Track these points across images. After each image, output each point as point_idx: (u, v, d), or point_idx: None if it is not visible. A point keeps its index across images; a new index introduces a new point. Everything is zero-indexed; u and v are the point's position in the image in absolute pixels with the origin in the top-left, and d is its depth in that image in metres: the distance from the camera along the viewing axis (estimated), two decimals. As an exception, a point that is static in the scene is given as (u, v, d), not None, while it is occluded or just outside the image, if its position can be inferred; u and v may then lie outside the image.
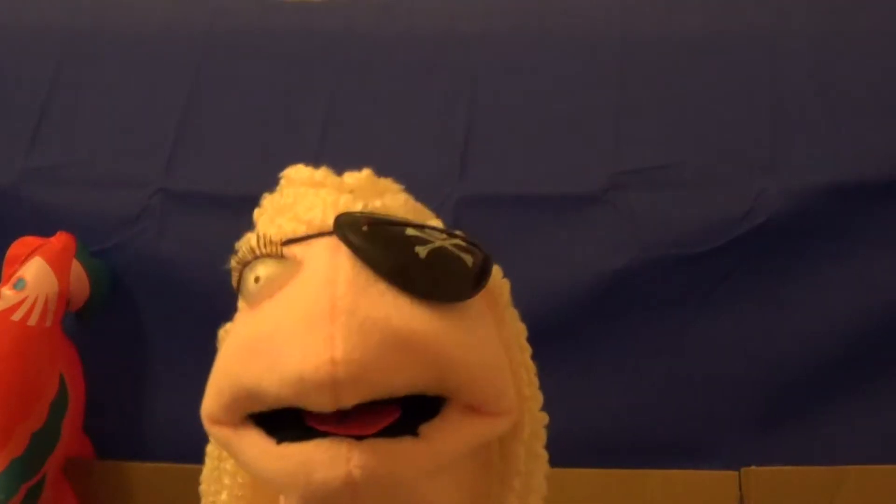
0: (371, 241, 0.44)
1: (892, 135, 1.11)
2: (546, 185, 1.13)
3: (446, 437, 0.43)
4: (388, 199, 0.51)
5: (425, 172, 1.12)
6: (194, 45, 1.26)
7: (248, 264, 0.46)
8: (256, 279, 0.45)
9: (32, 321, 1.06)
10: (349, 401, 0.41)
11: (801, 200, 1.08)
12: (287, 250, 0.46)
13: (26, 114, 1.24)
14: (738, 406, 1.08)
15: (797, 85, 1.15)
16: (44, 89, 1.25)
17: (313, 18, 1.27)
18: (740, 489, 1.05)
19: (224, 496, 0.56)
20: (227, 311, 0.54)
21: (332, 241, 0.45)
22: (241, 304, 0.51)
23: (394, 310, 0.42)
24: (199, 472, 0.61)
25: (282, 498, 0.49)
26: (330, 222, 0.46)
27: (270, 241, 0.46)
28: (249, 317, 0.45)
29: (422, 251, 0.44)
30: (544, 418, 0.55)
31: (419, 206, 0.54)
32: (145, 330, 1.18)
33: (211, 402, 0.46)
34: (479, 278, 0.46)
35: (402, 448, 0.42)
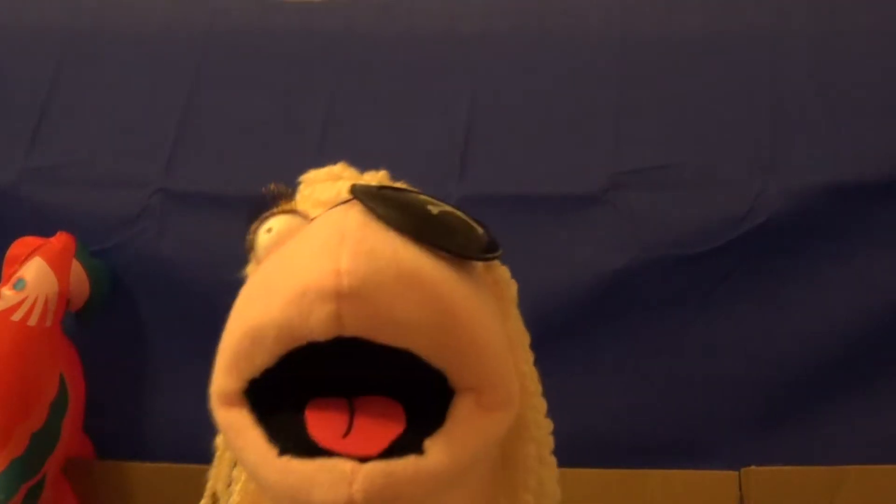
0: (384, 200, 0.44)
1: (892, 135, 1.11)
2: (546, 185, 1.13)
3: (453, 450, 0.42)
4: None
5: (425, 172, 1.12)
6: (194, 45, 1.26)
7: (262, 221, 0.47)
8: (269, 230, 0.46)
9: (32, 321, 1.06)
10: (351, 321, 0.40)
11: (801, 200, 1.08)
12: (301, 209, 0.47)
13: (26, 114, 1.24)
14: (738, 406, 1.08)
15: (797, 85, 1.15)
16: (44, 89, 1.25)
17: (313, 18, 1.27)
18: (740, 489, 1.05)
19: (235, 499, 0.56)
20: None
21: (346, 204, 0.45)
22: (250, 268, 0.51)
23: (401, 246, 0.42)
24: (200, 472, 0.61)
25: None
26: (345, 195, 0.46)
27: (283, 193, 0.47)
28: (260, 266, 0.45)
29: (434, 209, 0.45)
30: (549, 425, 0.54)
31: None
32: (145, 330, 1.18)
33: (218, 370, 0.45)
34: (488, 246, 0.46)
35: (406, 469, 0.41)
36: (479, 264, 0.49)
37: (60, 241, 1.11)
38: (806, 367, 1.08)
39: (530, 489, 0.51)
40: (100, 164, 1.20)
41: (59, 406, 1.09)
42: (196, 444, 0.60)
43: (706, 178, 1.12)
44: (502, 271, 0.53)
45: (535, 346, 0.57)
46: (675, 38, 1.20)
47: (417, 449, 0.41)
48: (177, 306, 1.14)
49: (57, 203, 1.18)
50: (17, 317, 1.05)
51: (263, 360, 0.43)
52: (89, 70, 1.27)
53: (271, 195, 0.48)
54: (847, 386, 1.07)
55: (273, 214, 0.47)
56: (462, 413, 0.43)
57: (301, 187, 0.54)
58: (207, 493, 0.58)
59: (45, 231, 1.12)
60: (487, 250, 0.46)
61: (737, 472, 1.06)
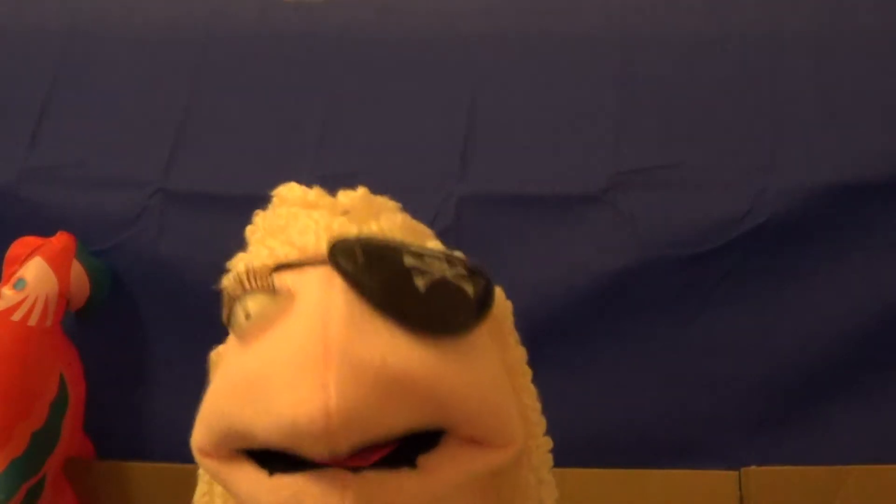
0: (367, 271, 0.41)
1: (892, 135, 1.11)
2: (546, 185, 1.13)
3: (445, 469, 0.42)
4: (384, 220, 0.48)
5: (425, 172, 1.12)
6: (194, 45, 1.26)
7: (237, 299, 0.43)
8: (247, 316, 0.42)
9: (32, 321, 1.06)
10: (344, 448, 0.39)
11: (801, 200, 1.08)
12: (279, 282, 0.43)
13: (26, 114, 1.24)
14: (738, 406, 1.08)
15: (797, 85, 1.15)
16: (44, 89, 1.25)
17: (313, 18, 1.27)
18: (740, 489, 1.05)
19: None
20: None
21: (326, 272, 0.42)
22: (231, 337, 0.49)
23: (389, 349, 0.39)
24: (193, 471, 0.61)
25: None
26: (324, 249, 0.43)
27: (260, 276, 0.43)
28: (241, 354, 0.43)
29: (420, 283, 0.42)
30: (548, 443, 0.53)
31: (416, 224, 0.51)
32: (145, 330, 1.18)
33: (201, 436, 0.45)
34: (480, 309, 0.44)
35: (398, 481, 0.40)
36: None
37: (60, 241, 1.11)
38: (806, 367, 1.08)
39: None
40: (100, 164, 1.20)
41: (59, 406, 1.09)
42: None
43: (706, 178, 1.12)
44: (496, 299, 0.49)
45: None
46: (675, 38, 1.20)
47: (411, 463, 0.41)
48: (177, 306, 1.14)
49: (57, 203, 1.18)
50: (17, 317, 1.05)
51: (253, 447, 0.43)
52: (89, 70, 1.27)
53: (248, 277, 0.44)
54: (847, 386, 1.07)
55: (248, 293, 0.43)
56: (454, 443, 0.42)
57: (275, 201, 0.51)
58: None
59: (45, 231, 1.12)
60: (480, 310, 0.44)
61: (737, 472, 1.06)
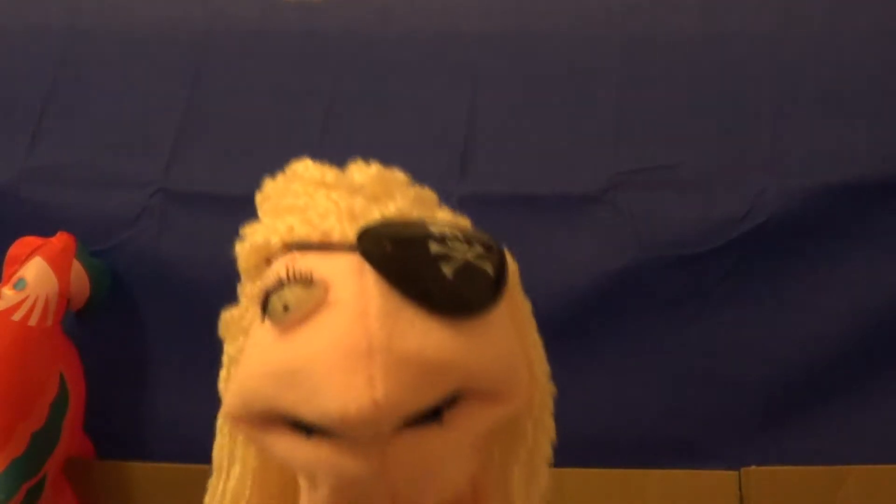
0: (396, 261, 0.44)
1: (892, 135, 1.11)
2: (546, 185, 1.13)
3: (467, 422, 0.45)
4: (400, 199, 0.50)
5: (425, 172, 1.12)
6: (194, 45, 1.26)
7: (275, 291, 0.45)
8: (286, 307, 0.44)
9: (33, 321, 1.06)
10: (387, 430, 0.42)
11: (801, 200, 1.09)
12: (313, 271, 0.45)
13: (26, 114, 1.24)
14: (738, 406, 1.08)
15: (797, 85, 1.15)
16: (44, 89, 1.25)
17: (313, 18, 1.27)
18: (740, 489, 1.05)
19: (237, 469, 0.56)
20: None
21: (357, 262, 0.45)
22: (245, 304, 0.52)
23: (424, 339, 0.43)
24: (200, 472, 0.61)
25: (302, 481, 0.49)
26: (349, 234, 0.46)
27: (300, 273, 0.45)
28: (280, 342, 0.45)
29: (447, 270, 0.44)
30: (552, 389, 0.56)
31: (426, 194, 0.54)
32: (145, 330, 1.18)
33: (236, 409, 0.47)
34: (498, 287, 0.47)
35: (430, 434, 0.44)
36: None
37: (61, 241, 1.11)
38: (806, 367, 1.08)
39: (520, 460, 0.54)
40: (100, 164, 1.20)
41: (59, 406, 1.09)
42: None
43: (706, 178, 1.12)
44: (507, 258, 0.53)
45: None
46: (675, 38, 1.20)
47: (438, 420, 0.44)
48: (177, 306, 1.14)
49: (57, 203, 1.18)
50: (17, 317, 1.05)
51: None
52: (89, 70, 1.27)
53: (288, 273, 0.46)
54: (847, 386, 1.07)
55: (288, 284, 0.45)
56: (475, 403, 0.46)
57: (289, 176, 0.53)
58: (214, 465, 0.58)
59: (45, 231, 1.12)
60: (499, 287, 0.47)
61: (737, 472, 1.06)
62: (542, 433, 0.56)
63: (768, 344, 1.08)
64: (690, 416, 1.08)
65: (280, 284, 0.45)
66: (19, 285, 1.06)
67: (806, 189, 1.09)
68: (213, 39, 1.27)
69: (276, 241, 0.48)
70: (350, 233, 0.46)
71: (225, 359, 0.55)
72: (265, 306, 0.46)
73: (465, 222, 0.53)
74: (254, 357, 0.47)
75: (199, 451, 0.61)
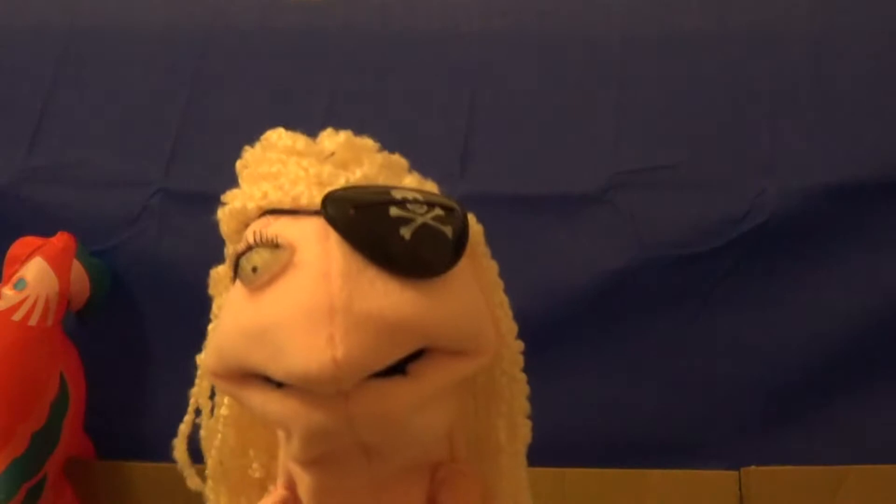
0: (359, 226, 0.46)
1: (891, 135, 1.11)
2: (546, 185, 1.13)
3: (431, 374, 0.47)
4: (367, 165, 0.53)
5: (425, 172, 1.12)
6: (194, 44, 1.26)
7: (244, 254, 0.48)
8: (254, 269, 0.47)
9: (33, 321, 1.06)
10: (349, 387, 0.44)
11: (801, 200, 1.08)
12: (280, 235, 0.47)
13: (26, 113, 1.24)
14: (738, 406, 1.08)
15: (797, 85, 1.15)
16: (44, 89, 1.25)
17: (313, 18, 1.27)
18: (740, 489, 1.05)
19: (218, 439, 0.60)
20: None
21: (321, 225, 0.47)
22: (227, 268, 0.55)
23: (384, 299, 0.45)
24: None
25: (280, 433, 0.52)
26: (316, 200, 0.48)
27: (266, 237, 0.48)
28: (249, 302, 0.47)
29: (406, 232, 0.46)
30: (519, 346, 0.58)
31: (394, 159, 0.58)
32: (145, 330, 1.18)
33: (213, 363, 0.49)
34: (458, 248, 0.49)
35: (393, 386, 0.45)
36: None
37: (61, 240, 1.11)
38: (806, 367, 1.08)
39: (503, 414, 0.57)
40: (100, 164, 1.20)
41: (59, 406, 1.09)
42: (196, 444, 0.61)
43: (706, 178, 1.12)
44: (470, 224, 0.54)
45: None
46: (675, 38, 1.20)
47: (401, 371, 0.46)
48: (177, 306, 1.14)
49: (57, 203, 1.18)
50: (17, 317, 1.05)
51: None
52: (89, 70, 1.26)
53: (255, 233, 0.48)
54: (847, 386, 1.07)
55: (254, 249, 0.48)
56: (438, 355, 0.47)
57: (263, 144, 0.56)
58: (190, 409, 0.61)
59: (45, 231, 1.12)
60: (458, 249, 0.49)
61: (737, 472, 1.06)
62: (517, 387, 0.58)
63: (768, 344, 1.08)
64: (690, 416, 1.08)
65: (249, 248, 0.48)
66: (19, 285, 1.06)
67: (806, 189, 1.09)
68: (213, 39, 1.27)
69: (251, 206, 0.52)
70: (317, 198, 0.48)
71: (212, 314, 0.60)
72: (236, 269, 0.49)
73: (431, 186, 0.57)
74: (227, 316, 0.49)
75: (199, 451, 0.61)
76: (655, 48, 1.19)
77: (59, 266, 1.09)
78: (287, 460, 0.54)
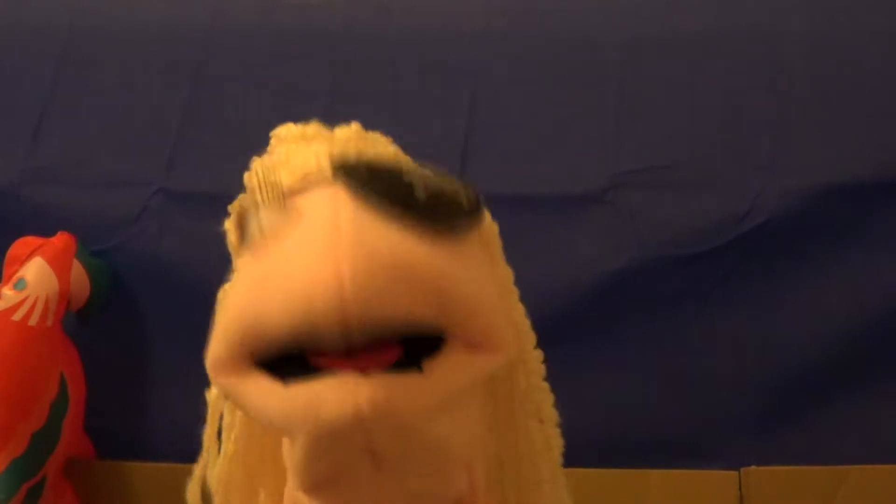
0: (371, 183, 0.44)
1: (891, 135, 1.11)
2: (546, 185, 1.13)
3: (448, 373, 0.43)
4: (380, 149, 0.52)
5: (425, 172, 1.12)
6: (194, 44, 1.26)
7: (251, 215, 0.46)
8: (260, 229, 0.45)
9: (33, 321, 1.06)
10: (355, 325, 0.41)
11: (801, 200, 1.09)
12: (289, 201, 0.45)
13: (26, 114, 1.24)
14: (738, 406, 1.08)
15: (797, 85, 1.15)
16: (44, 89, 1.25)
17: (313, 18, 1.27)
18: (740, 489, 1.05)
19: (225, 476, 0.57)
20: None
21: (332, 189, 0.45)
22: (239, 260, 0.51)
23: (397, 242, 0.42)
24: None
25: (285, 442, 0.48)
26: (327, 169, 0.46)
27: (273, 187, 0.46)
28: (255, 261, 0.45)
29: (420, 192, 0.45)
30: (539, 356, 0.56)
31: (405, 156, 0.55)
32: (145, 330, 1.18)
33: (216, 345, 0.46)
34: (474, 213, 0.48)
35: (408, 382, 0.42)
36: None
37: (61, 240, 1.11)
38: (806, 367, 1.08)
39: (534, 414, 0.55)
40: (100, 164, 1.20)
41: (59, 406, 1.09)
42: (196, 444, 0.60)
43: (706, 178, 1.12)
44: (485, 218, 0.54)
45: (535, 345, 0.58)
46: (675, 38, 1.20)
47: (417, 367, 0.43)
48: (177, 306, 1.14)
49: (57, 203, 1.18)
50: (17, 317, 1.05)
51: (267, 347, 0.43)
52: (89, 70, 1.26)
53: (260, 186, 0.47)
54: (847, 386, 1.07)
55: (264, 206, 0.46)
56: (455, 350, 0.44)
57: (273, 142, 0.54)
58: (205, 445, 0.58)
59: (46, 231, 1.12)
60: (473, 215, 0.48)
61: (737, 472, 1.06)
62: (542, 395, 0.56)
63: (768, 344, 1.08)
64: (690, 416, 1.08)
65: (256, 207, 0.46)
66: (19, 285, 1.06)
67: (806, 189, 1.09)
68: (213, 39, 1.27)
69: (269, 180, 0.48)
70: (327, 167, 0.46)
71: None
72: (241, 236, 0.47)
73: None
74: (233, 289, 0.47)
75: (199, 451, 0.61)
76: (656, 48, 1.19)
77: (59, 266, 1.09)
78: (293, 490, 0.49)
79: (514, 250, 0.55)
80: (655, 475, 1.06)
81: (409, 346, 0.43)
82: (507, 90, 1.20)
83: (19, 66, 1.28)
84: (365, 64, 1.23)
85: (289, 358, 0.43)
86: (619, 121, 1.15)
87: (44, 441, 1.07)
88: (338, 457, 0.43)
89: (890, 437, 1.06)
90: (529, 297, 0.58)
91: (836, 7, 1.20)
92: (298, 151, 0.49)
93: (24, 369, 1.06)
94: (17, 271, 1.08)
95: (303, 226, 0.43)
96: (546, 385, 0.56)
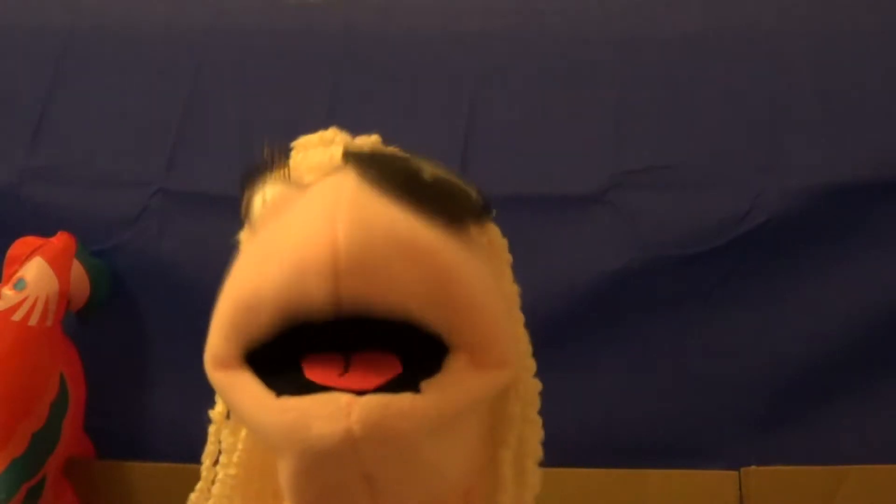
0: (377, 165, 0.44)
1: (891, 135, 1.11)
2: (546, 185, 1.13)
3: (448, 393, 0.42)
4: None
5: (425, 172, 1.12)
6: (195, 44, 1.26)
7: (257, 187, 0.46)
8: (264, 201, 0.45)
9: (33, 321, 1.06)
10: (349, 293, 0.39)
11: (801, 200, 1.09)
12: (299, 189, 0.45)
13: (26, 114, 1.24)
14: (738, 406, 1.08)
15: (797, 85, 1.15)
16: (44, 89, 1.25)
17: (313, 18, 1.27)
18: (740, 489, 1.05)
19: (221, 474, 0.56)
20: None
21: (340, 173, 0.44)
22: (244, 235, 0.51)
23: (399, 219, 0.41)
24: (197, 470, 0.61)
25: (280, 464, 0.45)
26: (338, 160, 0.46)
27: (280, 156, 0.46)
28: (253, 238, 0.44)
29: (427, 176, 0.44)
30: (537, 385, 0.54)
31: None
32: (145, 330, 1.18)
33: (214, 333, 0.45)
34: (481, 208, 0.47)
35: (403, 403, 0.40)
36: (473, 226, 0.49)
37: (61, 240, 1.11)
38: (806, 367, 1.08)
39: (510, 446, 0.51)
40: (100, 164, 1.20)
41: (59, 406, 1.09)
42: (196, 444, 0.60)
43: (706, 178, 1.12)
44: (495, 231, 0.53)
45: (535, 346, 0.57)
46: (675, 38, 1.20)
47: (414, 388, 0.41)
48: (177, 306, 1.14)
49: (57, 203, 1.18)
50: (17, 317, 1.05)
51: (261, 331, 0.42)
52: (89, 70, 1.27)
53: (267, 159, 0.46)
54: (847, 386, 1.07)
55: (268, 182, 0.46)
56: (457, 365, 0.43)
57: (293, 153, 0.53)
58: (204, 464, 0.58)
59: (46, 231, 1.12)
60: (481, 213, 0.48)
61: (737, 472, 1.06)
62: (532, 429, 0.53)
63: (768, 344, 1.08)
64: (690, 416, 1.08)
65: (261, 182, 0.46)
66: (19, 285, 1.06)
67: (806, 189, 1.09)
68: (214, 39, 1.27)
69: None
70: (339, 158, 0.46)
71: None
72: (247, 212, 0.46)
73: None
74: (230, 270, 0.46)
75: (199, 451, 0.61)
76: (655, 48, 1.19)
77: (59, 266, 1.09)
78: None
79: (514, 250, 0.55)
80: (655, 475, 1.06)
81: (408, 364, 0.42)
82: (507, 90, 1.20)
83: (19, 66, 1.28)
84: (365, 64, 1.23)
85: (285, 370, 0.42)
86: (619, 121, 1.15)
87: (44, 441, 1.07)
88: (329, 479, 0.41)
89: (890, 437, 1.06)
90: (529, 297, 0.58)
91: (837, 7, 1.20)
92: (317, 153, 0.49)
93: (24, 369, 1.06)
94: (16, 271, 1.08)
95: (305, 199, 0.42)
96: (538, 419, 0.53)
